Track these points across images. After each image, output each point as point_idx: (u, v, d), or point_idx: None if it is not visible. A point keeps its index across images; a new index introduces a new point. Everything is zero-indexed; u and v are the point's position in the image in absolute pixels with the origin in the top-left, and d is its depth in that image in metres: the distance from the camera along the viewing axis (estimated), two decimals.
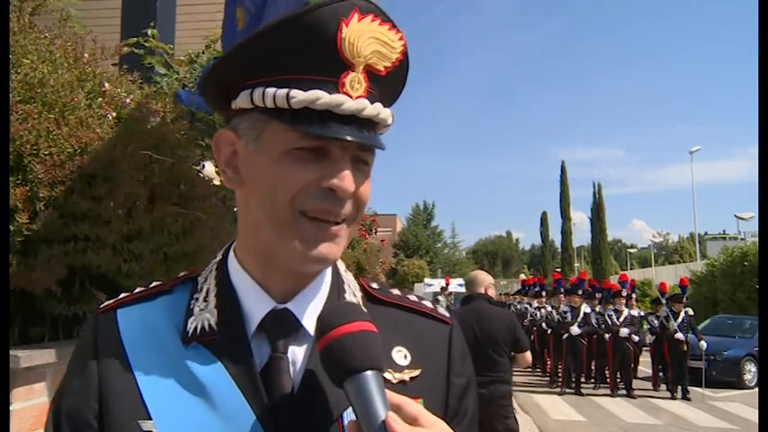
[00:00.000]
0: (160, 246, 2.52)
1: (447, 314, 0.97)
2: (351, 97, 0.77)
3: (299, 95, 0.76)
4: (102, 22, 4.45)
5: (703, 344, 11.86)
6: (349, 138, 0.76)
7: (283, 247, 0.80)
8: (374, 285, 0.97)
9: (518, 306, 18.36)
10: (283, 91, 0.76)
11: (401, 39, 0.81)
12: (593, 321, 12.66)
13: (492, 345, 4.75)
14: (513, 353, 4.95)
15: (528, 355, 5.14)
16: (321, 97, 0.75)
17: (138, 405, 0.78)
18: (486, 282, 5.18)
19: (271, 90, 0.77)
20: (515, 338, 4.91)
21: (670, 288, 13.81)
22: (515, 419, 5.00)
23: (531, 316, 14.40)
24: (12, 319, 2.24)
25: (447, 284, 23.39)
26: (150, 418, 0.77)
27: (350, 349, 0.72)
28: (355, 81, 0.78)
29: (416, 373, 0.87)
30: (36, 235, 2.13)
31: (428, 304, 0.98)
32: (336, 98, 0.76)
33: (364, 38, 0.77)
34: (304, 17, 0.75)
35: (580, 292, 13.07)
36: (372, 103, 0.79)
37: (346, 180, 0.78)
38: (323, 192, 0.78)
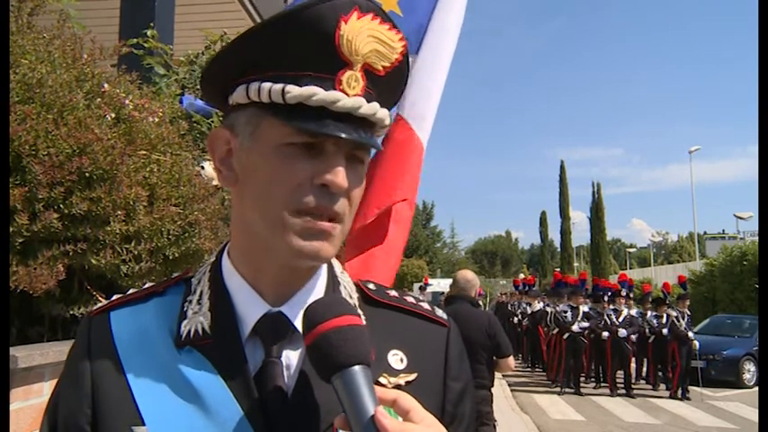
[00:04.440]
0: (159, 247, 2.52)
1: (445, 316, 0.96)
2: (347, 95, 0.77)
3: (294, 90, 0.76)
4: (100, 22, 4.45)
5: (696, 343, 11.99)
6: (343, 135, 0.76)
7: (277, 242, 0.79)
8: (371, 286, 0.95)
9: (516, 305, 18.31)
10: (279, 86, 0.76)
11: (401, 39, 0.81)
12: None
13: (470, 349, 4.60)
14: (495, 357, 4.84)
15: (510, 361, 5.01)
16: (317, 93, 0.75)
17: (132, 411, 0.78)
18: (476, 284, 5.07)
19: (267, 84, 0.77)
20: (495, 343, 4.78)
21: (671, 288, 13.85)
22: (494, 427, 4.87)
23: (557, 316, 13.85)
24: (10, 320, 2.24)
25: (426, 284, 23.58)
26: (144, 424, 0.77)
27: (337, 344, 0.71)
28: (352, 79, 0.78)
29: (412, 377, 0.86)
30: (35, 236, 2.13)
31: (426, 306, 0.96)
32: (332, 95, 0.76)
33: (363, 36, 0.77)
34: (303, 13, 0.75)
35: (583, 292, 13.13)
36: (369, 102, 0.79)
37: (340, 175, 0.77)
38: (317, 189, 0.78)
